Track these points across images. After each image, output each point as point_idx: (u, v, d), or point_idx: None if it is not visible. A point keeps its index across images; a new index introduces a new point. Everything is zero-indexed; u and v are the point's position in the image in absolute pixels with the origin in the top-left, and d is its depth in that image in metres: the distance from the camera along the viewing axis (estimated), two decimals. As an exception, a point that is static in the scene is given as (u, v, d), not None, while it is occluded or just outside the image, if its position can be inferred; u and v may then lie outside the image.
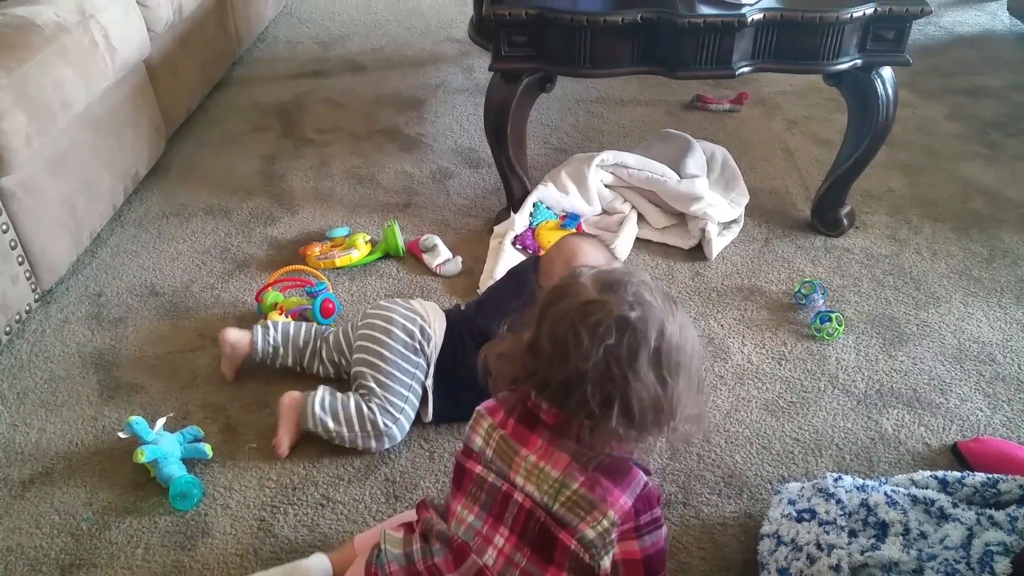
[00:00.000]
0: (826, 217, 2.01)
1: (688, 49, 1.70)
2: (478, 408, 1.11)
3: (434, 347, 1.50)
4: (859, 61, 1.74)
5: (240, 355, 1.59)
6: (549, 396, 1.01)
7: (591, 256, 1.52)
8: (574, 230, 1.94)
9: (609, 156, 1.99)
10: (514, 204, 1.98)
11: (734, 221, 2.01)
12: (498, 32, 1.73)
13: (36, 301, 1.75)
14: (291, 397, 1.50)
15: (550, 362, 0.98)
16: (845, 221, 2.00)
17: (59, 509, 1.41)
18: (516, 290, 1.54)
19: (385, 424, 1.45)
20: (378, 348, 1.48)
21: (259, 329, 1.59)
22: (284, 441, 1.47)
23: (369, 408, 1.45)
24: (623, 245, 1.93)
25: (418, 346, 1.49)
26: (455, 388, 1.50)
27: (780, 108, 2.53)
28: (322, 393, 1.48)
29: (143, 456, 1.41)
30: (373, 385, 1.47)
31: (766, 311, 1.79)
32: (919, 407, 1.58)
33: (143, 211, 2.11)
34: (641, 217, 2.02)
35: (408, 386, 1.48)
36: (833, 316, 1.71)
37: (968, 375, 1.65)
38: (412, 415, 1.49)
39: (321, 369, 1.60)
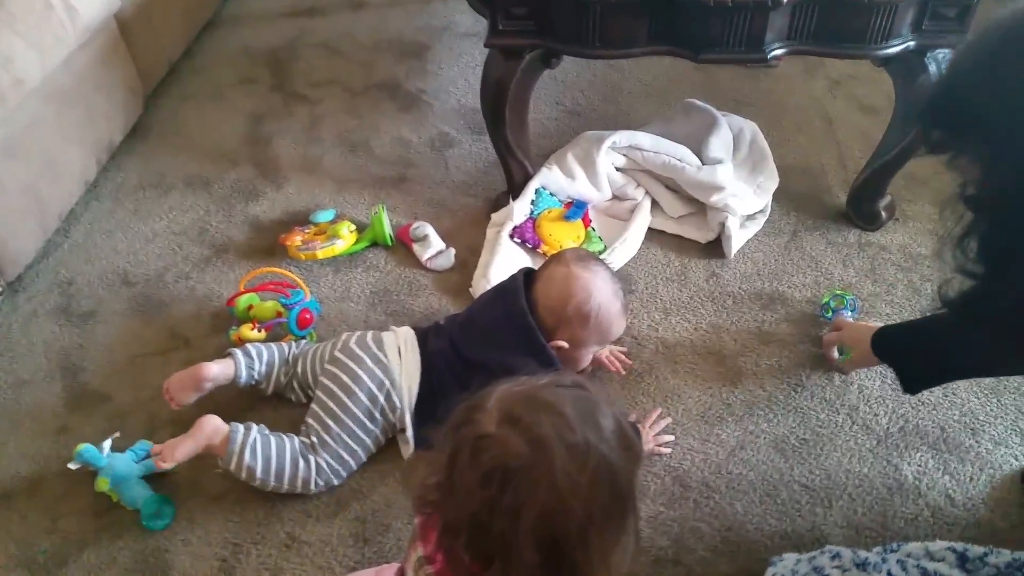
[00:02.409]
0: (862, 209, 1.81)
1: (714, 29, 1.48)
2: (415, 523, 0.96)
3: (408, 399, 1.37)
4: (912, 44, 1.51)
5: (216, 386, 1.43)
6: (448, 535, 0.87)
7: (604, 298, 1.37)
8: (579, 221, 1.76)
9: (622, 137, 1.79)
10: (514, 190, 1.81)
11: (759, 211, 1.82)
12: (494, 3, 1.52)
13: (1, 293, 1.64)
14: (213, 425, 1.34)
15: (444, 495, 0.85)
16: (884, 214, 1.80)
17: (17, 538, 1.34)
18: (503, 313, 1.39)
19: (316, 483, 1.35)
20: (334, 408, 1.35)
21: (242, 361, 1.43)
22: (178, 458, 1.30)
23: (306, 463, 1.33)
24: (634, 236, 1.76)
25: (378, 414, 1.37)
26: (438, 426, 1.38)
27: (823, 63, 2.27)
28: (254, 435, 1.34)
29: (106, 484, 1.34)
30: (315, 441, 1.35)
31: (786, 323, 1.63)
32: (945, 450, 1.43)
33: (121, 181, 1.97)
34: (655, 204, 1.83)
35: (352, 451, 1.37)
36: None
37: (1005, 411, 1.48)
38: (352, 469, 1.39)
39: (294, 397, 1.48)
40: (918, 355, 1.32)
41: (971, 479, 1.39)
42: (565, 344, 1.38)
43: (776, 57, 1.51)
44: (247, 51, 2.37)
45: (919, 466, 1.41)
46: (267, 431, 1.37)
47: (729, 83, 2.20)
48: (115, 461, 1.36)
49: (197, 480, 1.40)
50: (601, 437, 0.82)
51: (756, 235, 1.80)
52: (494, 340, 1.37)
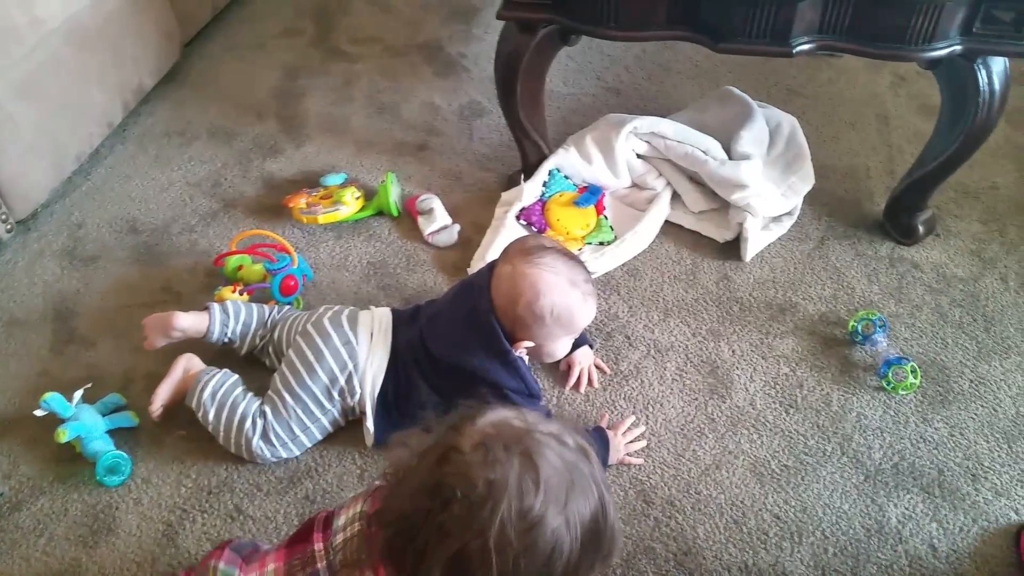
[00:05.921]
0: (899, 221, 1.66)
1: (736, 18, 1.36)
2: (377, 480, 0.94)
3: (370, 386, 1.34)
4: (959, 48, 1.35)
5: (187, 338, 1.43)
6: (378, 519, 0.86)
7: (556, 293, 1.26)
8: (591, 208, 1.68)
9: (644, 123, 1.69)
10: (527, 170, 1.73)
11: (786, 214, 1.69)
12: (509, -26, 1.44)
13: (8, 231, 1.67)
14: (189, 362, 1.40)
15: (400, 480, 0.84)
16: (922, 228, 1.65)
17: (-20, 478, 1.38)
18: (468, 311, 1.31)
19: (260, 448, 1.33)
20: (292, 382, 1.33)
21: (217, 318, 1.42)
22: (159, 399, 1.37)
23: (253, 423, 1.32)
24: (646, 229, 1.66)
25: (337, 395, 1.34)
26: (398, 420, 1.33)
27: (891, 56, 2.09)
28: (220, 379, 1.36)
29: (64, 436, 1.34)
30: (267, 409, 1.34)
31: (793, 338, 1.52)
32: (939, 495, 1.31)
33: (149, 125, 1.98)
34: (676, 197, 1.73)
35: (304, 427, 1.34)
36: (908, 366, 1.41)
37: (1015, 459, 1.35)
38: (304, 445, 1.36)
39: (267, 361, 1.47)
40: None
41: (961, 530, 1.27)
42: (531, 343, 1.31)
43: (803, 52, 1.38)
44: (296, 1, 2.34)
45: (906, 509, 1.29)
46: (239, 385, 1.38)
47: (785, 70, 2.05)
48: (81, 412, 1.37)
49: (160, 440, 1.40)
50: (563, 514, 0.79)
51: (780, 239, 1.68)
52: (457, 338, 1.31)
